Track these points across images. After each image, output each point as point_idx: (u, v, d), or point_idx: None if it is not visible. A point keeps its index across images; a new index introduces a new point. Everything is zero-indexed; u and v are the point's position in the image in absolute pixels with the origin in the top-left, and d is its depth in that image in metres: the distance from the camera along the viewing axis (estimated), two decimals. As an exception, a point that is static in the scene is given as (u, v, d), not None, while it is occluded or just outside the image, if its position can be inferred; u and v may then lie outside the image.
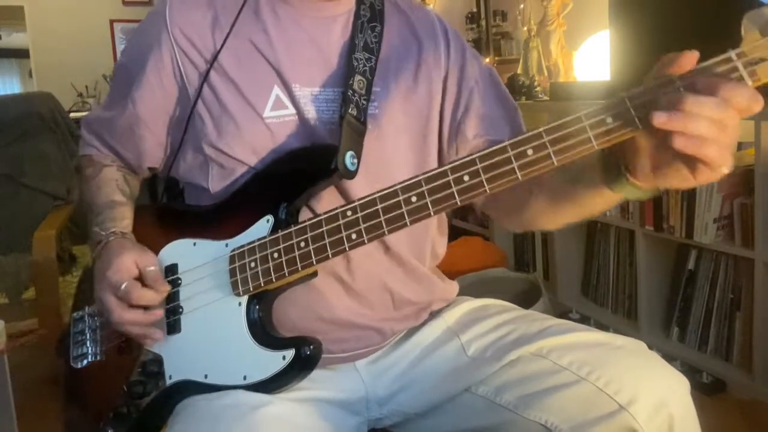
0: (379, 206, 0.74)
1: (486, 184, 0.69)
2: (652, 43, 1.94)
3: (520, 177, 0.67)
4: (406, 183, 0.73)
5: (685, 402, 0.77)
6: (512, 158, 0.67)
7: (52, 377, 0.97)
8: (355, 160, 0.83)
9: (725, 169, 0.61)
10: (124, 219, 0.92)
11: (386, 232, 0.74)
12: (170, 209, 0.99)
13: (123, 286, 0.81)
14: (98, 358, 0.89)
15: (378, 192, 0.74)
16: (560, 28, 2.65)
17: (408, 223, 0.73)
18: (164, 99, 0.90)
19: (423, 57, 0.94)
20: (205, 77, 0.87)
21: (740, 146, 2.05)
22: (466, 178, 0.70)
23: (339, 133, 0.83)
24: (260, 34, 0.88)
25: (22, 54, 4.35)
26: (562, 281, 2.48)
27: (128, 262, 0.83)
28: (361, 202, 0.75)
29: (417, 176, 0.72)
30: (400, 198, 0.73)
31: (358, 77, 0.88)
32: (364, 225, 0.74)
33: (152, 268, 0.83)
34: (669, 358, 1.70)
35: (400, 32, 0.96)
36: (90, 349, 0.90)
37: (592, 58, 2.49)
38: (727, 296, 1.89)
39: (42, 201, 2.29)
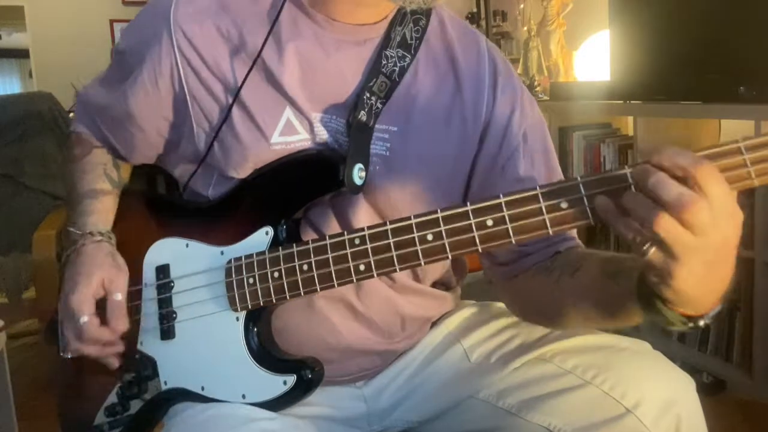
0: (391, 240, 0.68)
1: (512, 234, 0.61)
2: (652, 43, 1.94)
3: (551, 231, 0.60)
4: (422, 218, 0.66)
5: (692, 402, 0.76)
6: (543, 209, 0.60)
7: (52, 377, 0.96)
8: (363, 174, 0.77)
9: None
10: (103, 212, 0.87)
11: (398, 269, 0.68)
12: (163, 201, 0.94)
13: (80, 321, 0.78)
14: None
15: (390, 223, 0.68)
16: (560, 28, 2.65)
17: (423, 263, 0.66)
18: (158, 103, 0.83)
19: (461, 96, 0.83)
20: (228, 111, 0.79)
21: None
22: (489, 222, 0.62)
23: (347, 142, 0.78)
24: (276, 54, 0.80)
25: (22, 54, 4.34)
26: (562, 281, 2.47)
27: (96, 283, 0.80)
28: (370, 231, 0.69)
29: (435, 212, 0.66)
30: (415, 235, 0.66)
31: (381, 78, 0.80)
32: (374, 257, 0.69)
33: (119, 296, 0.80)
34: (669, 358, 1.69)
35: (440, 56, 0.84)
36: None
37: (592, 58, 2.49)
38: (726, 296, 1.89)
39: (42, 201, 2.29)
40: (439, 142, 0.83)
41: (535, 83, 2.61)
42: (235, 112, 0.80)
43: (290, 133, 0.80)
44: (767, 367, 1.75)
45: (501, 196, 0.62)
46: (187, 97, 0.81)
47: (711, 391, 1.84)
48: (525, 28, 2.80)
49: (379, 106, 0.80)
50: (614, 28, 2.07)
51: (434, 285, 0.93)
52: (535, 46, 2.70)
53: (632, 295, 0.63)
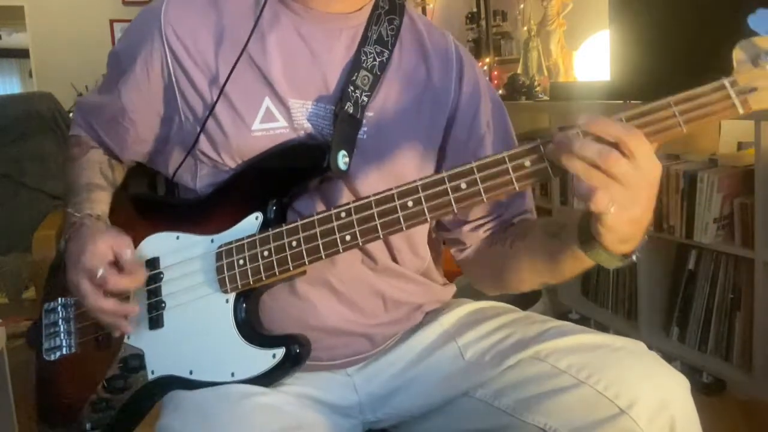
0: (375, 210, 0.73)
1: (483, 193, 0.69)
2: (652, 43, 1.93)
3: (518, 187, 0.69)
4: (403, 188, 0.73)
5: (686, 403, 0.76)
6: (509, 169, 0.69)
7: (31, 378, 0.96)
8: (347, 160, 0.82)
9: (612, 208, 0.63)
10: (100, 203, 0.90)
11: (381, 236, 0.74)
12: (152, 199, 0.97)
13: (99, 272, 0.79)
14: (72, 350, 0.89)
15: (373, 195, 0.74)
16: (560, 28, 2.65)
17: (404, 228, 0.73)
18: (150, 95, 0.88)
19: (432, 83, 0.91)
20: (213, 105, 0.84)
21: (740, 146, 2.05)
22: (463, 185, 0.70)
23: (330, 130, 0.83)
24: (259, 45, 0.85)
25: (22, 54, 4.34)
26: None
27: (103, 246, 0.81)
28: (355, 204, 0.75)
29: (414, 181, 0.72)
30: (396, 203, 0.72)
31: (363, 72, 0.86)
32: (359, 228, 0.74)
33: (128, 252, 0.82)
34: (669, 358, 1.69)
35: (412, 51, 0.92)
36: (64, 341, 0.89)
37: (592, 58, 2.49)
38: (727, 296, 1.89)
39: (42, 201, 2.30)
40: (411, 128, 0.89)
41: (535, 83, 2.61)
42: (219, 103, 0.84)
43: (270, 120, 0.84)
44: (767, 367, 1.75)
45: (472, 161, 0.70)
46: (176, 90, 0.86)
47: (711, 391, 1.84)
48: (525, 28, 2.80)
49: (365, 99, 0.85)
50: (614, 28, 2.07)
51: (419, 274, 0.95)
52: (535, 46, 2.70)
53: (575, 245, 0.73)
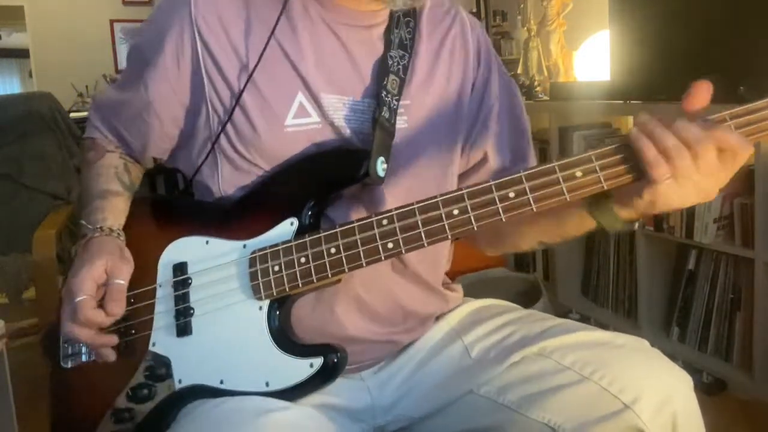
0: (419, 218, 0.72)
1: (533, 203, 0.69)
2: (652, 43, 1.94)
3: (569, 198, 0.69)
4: (448, 195, 0.72)
5: (689, 399, 0.77)
6: (560, 179, 0.69)
7: (48, 386, 0.94)
8: (385, 166, 0.80)
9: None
10: (114, 211, 0.88)
11: (426, 244, 0.72)
12: (180, 203, 0.94)
13: (75, 299, 0.77)
14: (92, 357, 0.85)
15: (417, 203, 0.73)
16: (560, 28, 2.65)
17: (449, 236, 0.72)
18: (178, 85, 0.86)
19: (452, 76, 0.92)
20: (239, 94, 0.83)
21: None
22: (511, 195, 0.70)
23: (371, 136, 0.81)
24: (289, 37, 0.84)
25: (22, 54, 4.34)
26: (562, 281, 2.48)
27: (96, 270, 0.79)
28: (398, 211, 0.73)
29: (460, 189, 0.71)
30: (441, 211, 0.71)
31: (392, 77, 0.85)
32: (402, 235, 0.72)
33: (120, 281, 0.80)
34: (669, 357, 1.69)
35: (431, 48, 0.92)
36: (83, 347, 0.86)
37: (592, 58, 2.49)
38: (727, 296, 1.89)
39: (42, 201, 2.29)
40: (436, 128, 0.90)
41: (535, 83, 2.61)
42: (249, 95, 0.83)
43: (303, 116, 0.83)
44: (767, 367, 1.75)
45: (521, 171, 0.70)
46: (204, 80, 0.84)
47: (711, 391, 1.84)
48: (525, 28, 2.80)
49: (395, 102, 0.85)
50: (614, 28, 2.07)
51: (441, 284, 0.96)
52: (535, 46, 2.70)
53: (581, 205, 0.75)
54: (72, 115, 3.08)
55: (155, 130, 0.90)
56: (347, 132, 0.84)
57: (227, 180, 0.86)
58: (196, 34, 0.83)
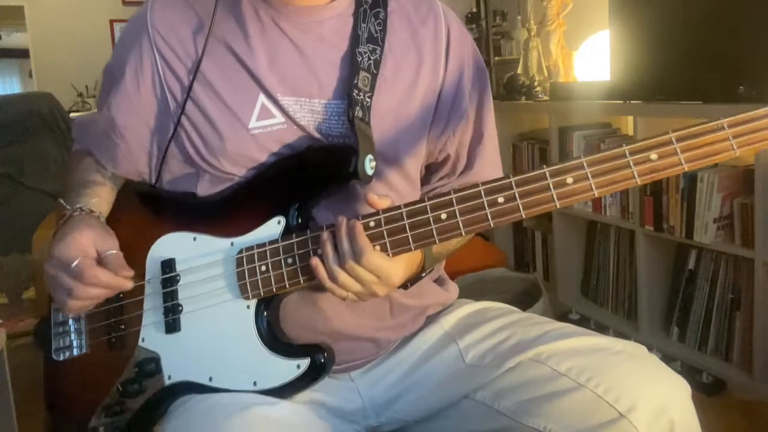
0: (406, 221, 0.72)
1: (522, 209, 0.69)
2: (652, 43, 1.93)
3: (558, 204, 0.69)
4: (437, 200, 0.71)
5: (686, 406, 0.76)
6: (550, 185, 0.68)
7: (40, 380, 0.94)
8: (374, 164, 0.80)
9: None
10: (95, 197, 0.87)
11: (413, 248, 0.73)
12: (168, 196, 0.94)
13: (75, 263, 0.75)
14: (83, 351, 0.86)
15: (404, 206, 0.72)
16: (560, 28, 2.64)
17: (437, 241, 0.72)
18: (141, 107, 0.87)
19: (423, 67, 0.89)
20: (189, 90, 0.83)
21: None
22: (500, 200, 0.69)
23: (348, 137, 0.81)
24: (240, 41, 0.84)
25: (22, 54, 4.34)
26: (562, 281, 2.48)
27: (85, 240, 0.78)
28: (386, 215, 0.73)
29: (449, 194, 0.71)
30: (429, 215, 0.71)
31: (362, 74, 0.84)
32: (390, 239, 0.72)
33: (113, 251, 0.79)
34: (669, 358, 1.69)
35: (402, 38, 0.90)
36: (74, 341, 0.87)
37: (592, 58, 2.49)
38: (727, 296, 1.89)
39: (42, 201, 2.29)
40: (409, 120, 0.88)
41: (535, 83, 2.61)
42: (209, 101, 0.83)
43: (266, 117, 0.83)
44: (767, 367, 1.75)
45: (510, 176, 0.70)
46: (168, 96, 0.85)
47: (711, 391, 1.84)
48: (525, 28, 2.80)
49: (368, 100, 0.84)
50: (614, 28, 2.07)
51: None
52: (535, 46, 2.70)
53: None
54: (72, 115, 3.08)
55: (121, 149, 0.90)
56: (316, 133, 0.83)
57: (206, 190, 0.86)
58: (154, 49, 0.85)
